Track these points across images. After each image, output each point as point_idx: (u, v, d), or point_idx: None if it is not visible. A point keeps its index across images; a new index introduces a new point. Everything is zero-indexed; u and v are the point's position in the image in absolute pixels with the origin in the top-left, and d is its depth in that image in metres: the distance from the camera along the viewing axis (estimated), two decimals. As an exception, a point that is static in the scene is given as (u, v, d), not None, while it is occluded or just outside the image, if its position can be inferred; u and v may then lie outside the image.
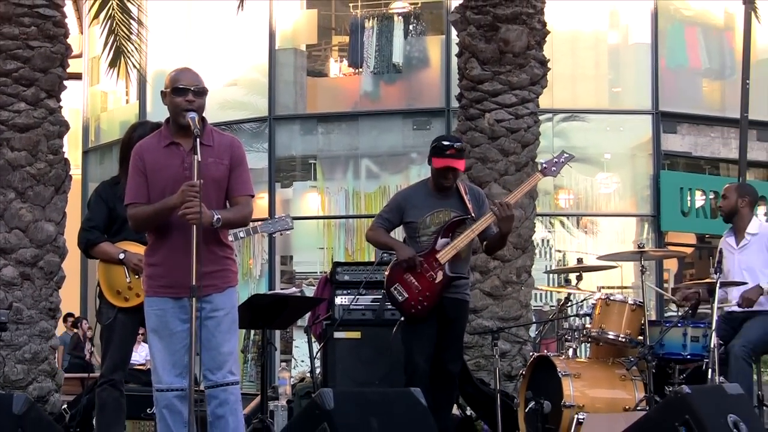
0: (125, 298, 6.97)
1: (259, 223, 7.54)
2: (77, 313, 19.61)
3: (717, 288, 7.97)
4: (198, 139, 5.72)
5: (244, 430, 6.10)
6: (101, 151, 22.87)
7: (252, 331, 16.47)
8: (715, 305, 7.89)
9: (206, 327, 5.91)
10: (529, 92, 10.45)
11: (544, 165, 7.80)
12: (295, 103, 21.27)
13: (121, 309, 6.98)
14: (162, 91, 6.01)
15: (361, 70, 20.63)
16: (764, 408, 8.47)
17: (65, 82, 9.67)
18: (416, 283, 7.37)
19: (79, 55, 21.29)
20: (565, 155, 7.78)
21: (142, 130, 7.04)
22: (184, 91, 5.88)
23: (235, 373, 6.00)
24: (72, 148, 18.26)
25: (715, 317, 7.82)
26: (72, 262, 10.25)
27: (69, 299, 10.46)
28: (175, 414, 5.91)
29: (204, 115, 5.98)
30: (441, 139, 7.64)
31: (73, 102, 19.54)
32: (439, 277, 7.37)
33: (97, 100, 23.70)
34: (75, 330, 18.37)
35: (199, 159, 5.71)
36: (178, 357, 5.90)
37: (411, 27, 20.49)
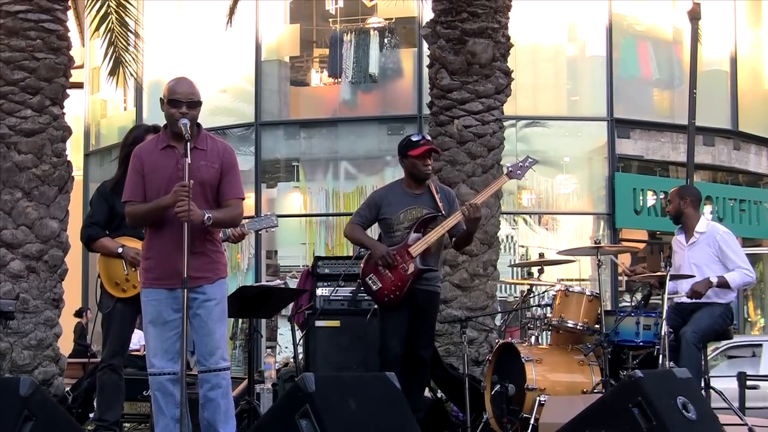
0: (123, 289, 6.97)
1: (246, 220, 7.52)
2: (79, 303, 19.53)
3: (667, 280, 8.00)
4: (189, 144, 5.75)
5: (233, 411, 6.11)
6: (101, 154, 22.79)
7: (240, 320, 16.46)
8: (666, 296, 7.91)
9: (199, 316, 5.92)
10: (495, 100, 10.47)
11: (510, 168, 7.82)
12: (279, 110, 21.27)
13: (119, 299, 6.97)
14: (161, 99, 6.02)
15: (340, 80, 20.64)
16: (710, 390, 8.51)
17: (68, 91, 9.64)
18: (389, 274, 7.38)
19: (81, 66, 21.19)
20: (530, 160, 7.79)
21: (137, 132, 7.09)
22: (179, 104, 5.90)
23: (226, 359, 6.01)
24: (74, 151, 18.15)
25: (665, 307, 7.85)
26: (74, 257, 10.22)
27: (71, 290, 10.41)
28: (167, 396, 5.91)
29: (198, 121, 6.00)
30: (409, 137, 7.68)
31: (75, 109, 19.46)
32: (411, 268, 7.38)
33: (98, 107, 23.62)
34: (79, 319, 18.31)
35: (189, 162, 5.72)
36: (171, 343, 5.90)
37: (386, 40, 20.51)
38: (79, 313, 18.47)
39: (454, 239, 7.64)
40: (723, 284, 8.43)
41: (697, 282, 8.41)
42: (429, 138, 7.68)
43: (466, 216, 7.31)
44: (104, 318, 7.09)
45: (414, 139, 7.61)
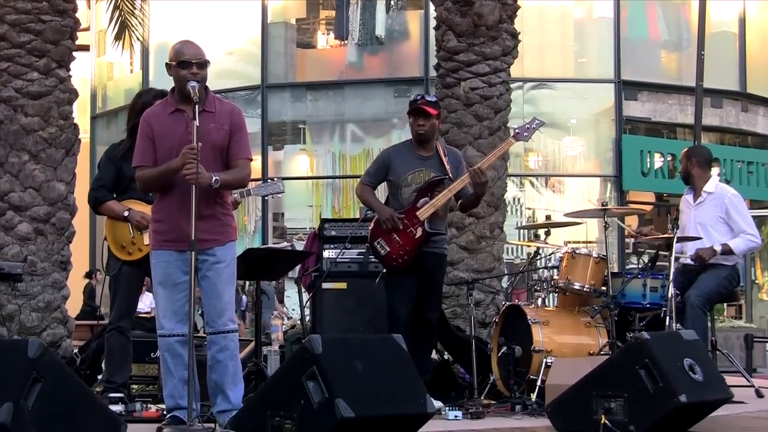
0: (129, 252, 6.97)
1: (253, 186, 7.52)
2: (87, 266, 19.59)
3: (674, 242, 7.99)
4: (197, 106, 5.74)
5: (241, 374, 6.13)
6: (108, 117, 22.79)
7: (247, 282, 16.48)
8: (672, 258, 7.91)
9: (208, 278, 5.93)
10: (501, 62, 10.41)
11: (516, 130, 7.78)
12: (286, 72, 21.23)
13: (125, 262, 6.97)
14: (167, 63, 6.00)
15: (346, 42, 20.58)
16: (717, 352, 8.52)
17: (74, 54, 9.60)
18: (397, 238, 7.38)
19: (87, 29, 21.15)
20: (536, 122, 7.75)
21: (146, 97, 7.04)
22: (188, 64, 5.89)
23: (234, 321, 6.03)
24: (81, 114, 18.14)
25: (672, 269, 7.85)
26: (82, 219, 10.23)
27: (79, 253, 10.42)
28: (176, 357, 5.93)
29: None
30: (411, 98, 7.69)
31: (81, 72, 19.38)
32: (419, 233, 7.38)
33: (104, 70, 23.60)
34: (88, 280, 18.37)
35: (198, 125, 5.72)
36: (180, 305, 5.91)
37: (392, 2, 20.44)
38: (89, 275, 18.53)
39: (460, 201, 7.63)
40: (727, 251, 8.45)
41: (702, 248, 8.42)
42: (431, 98, 7.63)
43: (474, 181, 7.31)
44: (111, 281, 7.11)
45: (415, 97, 7.63)
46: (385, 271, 7.63)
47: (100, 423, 5.18)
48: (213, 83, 6.25)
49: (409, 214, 7.38)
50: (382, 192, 7.88)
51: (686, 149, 9.04)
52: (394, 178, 7.55)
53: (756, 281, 24.86)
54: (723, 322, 17.83)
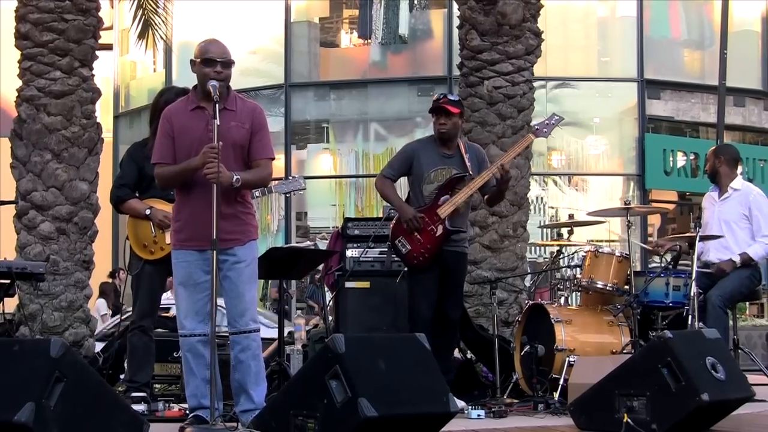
0: (151, 251, 6.97)
1: (274, 183, 7.50)
2: (109, 265, 19.65)
3: (696, 242, 7.94)
4: (218, 105, 5.72)
5: (263, 373, 6.12)
6: (131, 116, 22.86)
7: (270, 281, 16.49)
8: (695, 257, 7.87)
9: (229, 278, 5.92)
10: (525, 61, 10.37)
11: (536, 127, 7.78)
12: (309, 71, 21.26)
13: (147, 261, 6.97)
14: (192, 60, 6.00)
15: (369, 41, 20.57)
16: (739, 351, 8.47)
17: (97, 53, 9.61)
18: (418, 236, 7.36)
19: (110, 28, 21.22)
20: (556, 117, 7.73)
21: (168, 95, 7.03)
22: (213, 63, 5.88)
23: (256, 321, 6.02)
24: (104, 113, 18.20)
25: (695, 268, 7.80)
26: (104, 218, 10.24)
27: (101, 252, 10.44)
28: (198, 357, 5.92)
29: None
30: (434, 96, 7.69)
31: (104, 71, 19.51)
32: (440, 230, 7.35)
33: (127, 69, 23.68)
34: (111, 280, 18.41)
35: (218, 123, 5.70)
36: (201, 305, 5.90)
37: (416, 1, 20.43)
38: (112, 274, 18.58)
39: (486, 196, 7.62)
40: (746, 260, 8.41)
41: (723, 262, 8.40)
42: (453, 97, 7.61)
43: (498, 177, 7.30)
44: (133, 280, 7.11)
45: (438, 96, 7.61)
46: (406, 269, 7.61)
47: (122, 422, 5.18)
48: (236, 82, 6.24)
49: (429, 212, 7.36)
50: (402, 191, 7.86)
51: (714, 147, 8.99)
52: (417, 174, 7.52)
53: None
54: (745, 321, 17.75)
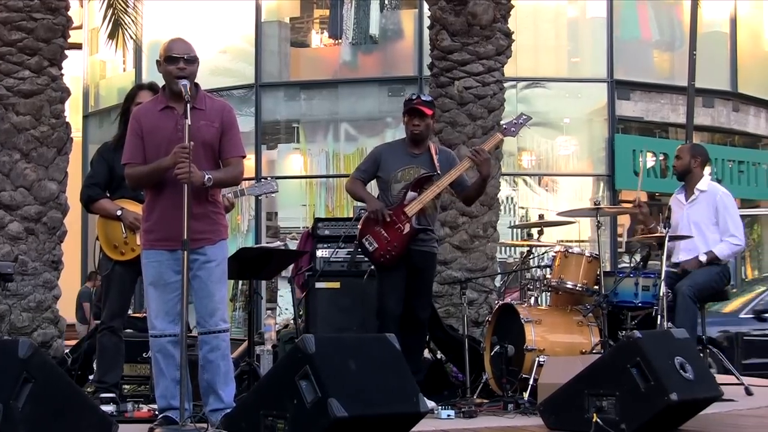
0: (121, 252, 6.93)
1: (246, 185, 7.49)
2: (78, 265, 19.54)
3: (666, 241, 7.98)
4: (189, 104, 5.72)
5: (233, 373, 6.12)
6: (100, 116, 22.74)
7: (240, 282, 16.45)
8: (664, 257, 7.90)
9: (199, 277, 5.91)
10: (495, 62, 10.41)
11: (504, 126, 7.80)
12: (280, 71, 21.21)
13: (117, 262, 6.94)
14: (157, 61, 6.01)
15: (340, 41, 20.55)
16: (707, 350, 8.52)
17: (66, 52, 9.57)
18: (385, 234, 7.38)
19: (80, 27, 21.11)
20: (524, 117, 7.75)
21: (131, 91, 7.10)
22: (176, 60, 5.88)
23: (226, 321, 6.01)
24: (73, 112, 18.11)
25: (664, 268, 7.84)
26: (73, 218, 10.20)
27: (70, 253, 10.39)
28: (168, 357, 5.91)
29: (196, 81, 5.98)
30: (407, 97, 7.70)
31: (73, 70, 19.41)
32: (407, 228, 7.37)
33: (96, 69, 23.54)
34: (89, 283, 18.29)
35: (189, 123, 5.70)
36: (171, 305, 5.90)
37: (386, 1, 20.42)
38: (90, 276, 18.47)
39: (462, 194, 7.65)
40: (712, 259, 8.46)
41: (687, 261, 8.47)
42: (427, 98, 7.63)
43: (475, 161, 7.31)
44: (103, 280, 7.08)
45: (411, 96, 7.64)
46: (372, 267, 7.62)
47: (91, 423, 5.16)
48: (206, 81, 6.25)
49: (397, 211, 7.38)
50: (373, 191, 7.87)
51: (689, 145, 9.00)
52: (384, 175, 7.55)
53: (746, 280, 24.89)
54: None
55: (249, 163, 18.89)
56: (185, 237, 5.61)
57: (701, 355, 7.92)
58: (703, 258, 8.45)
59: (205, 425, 5.87)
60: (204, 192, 5.90)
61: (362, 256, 7.74)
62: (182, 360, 5.70)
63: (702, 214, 8.61)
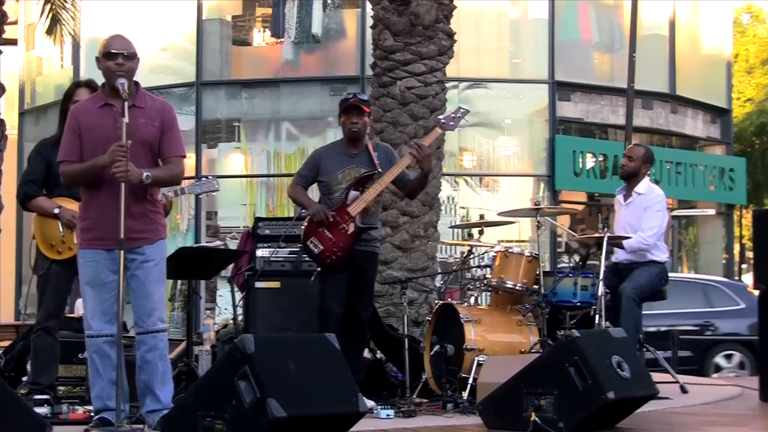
0: (58, 251, 6.84)
1: (187, 184, 7.43)
2: (13, 264, 19.31)
3: (605, 242, 8.04)
4: (127, 102, 5.68)
5: (171, 374, 6.07)
6: (36, 113, 22.52)
7: (179, 281, 16.34)
8: (603, 257, 7.97)
9: (137, 277, 5.86)
10: (437, 62, 10.43)
11: (442, 120, 7.79)
12: (221, 69, 21.13)
13: (54, 261, 6.85)
14: (96, 57, 5.95)
15: (282, 39, 20.51)
16: (644, 349, 8.61)
17: (1, 47, 9.45)
18: (330, 235, 7.36)
19: (15, 22, 20.85)
20: (462, 110, 7.75)
21: (69, 89, 7.01)
22: (115, 56, 5.84)
23: (164, 321, 5.97)
24: (8, 109, 17.91)
25: (602, 268, 7.90)
26: (8, 217, 10.08)
27: (5, 251, 10.27)
28: (104, 358, 5.86)
29: (136, 79, 5.93)
30: (343, 96, 7.69)
31: (9, 66, 19.17)
32: (351, 228, 7.36)
33: (33, 65, 23.31)
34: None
35: (127, 121, 5.65)
36: (108, 305, 5.84)
37: (329, 0, 20.39)
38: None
39: (405, 189, 7.65)
40: (618, 246, 8.51)
41: (613, 238, 8.45)
42: (364, 96, 7.63)
43: (416, 156, 7.31)
44: (39, 280, 6.97)
45: (346, 96, 7.61)
46: (319, 269, 7.59)
47: (24, 425, 5.11)
48: (147, 79, 6.21)
49: (340, 211, 7.36)
50: (316, 195, 7.86)
51: (643, 150, 8.94)
52: (325, 178, 7.54)
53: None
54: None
55: (189, 162, 18.78)
56: (122, 236, 5.56)
57: (638, 353, 7.99)
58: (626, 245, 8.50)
59: (141, 426, 5.82)
60: (142, 191, 5.86)
61: (307, 258, 7.73)
62: (119, 360, 5.65)
63: (635, 216, 8.69)
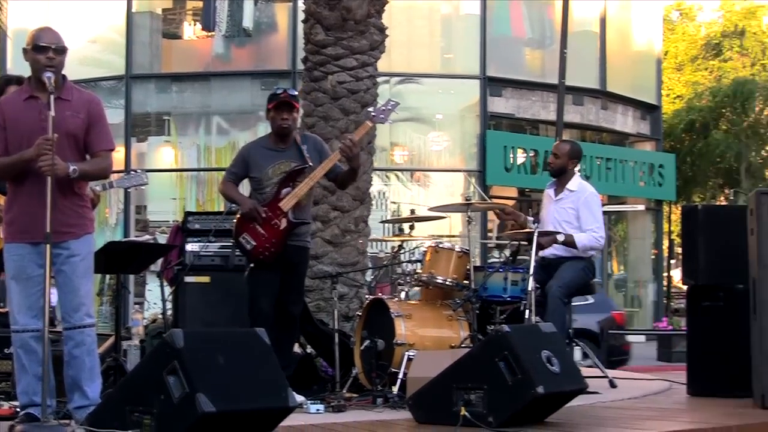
0: (-18, 244, 6.77)
1: (116, 178, 7.37)
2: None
3: (535, 237, 8.09)
4: (53, 96, 5.62)
5: (99, 369, 6.03)
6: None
7: (107, 276, 16.23)
8: (533, 252, 8.01)
9: (63, 272, 5.81)
10: (369, 57, 10.44)
11: (372, 113, 7.78)
12: (151, 63, 21.00)
13: (-22, 255, 6.77)
14: (24, 49, 5.88)
15: (213, 33, 20.43)
16: (574, 344, 8.69)
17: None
18: (262, 231, 7.34)
19: (-60, 13, 20.53)
20: (392, 103, 7.75)
21: (5, 84, 6.92)
22: (45, 49, 5.77)
23: (91, 316, 5.92)
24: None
25: (533, 263, 7.95)
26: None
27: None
28: (30, 353, 5.79)
29: (64, 71, 5.87)
30: (272, 91, 7.65)
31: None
32: (283, 224, 7.34)
33: (-44, 56, 22.94)
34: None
35: (53, 114, 5.60)
36: (34, 300, 5.78)
37: (260, -6, 20.35)
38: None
39: (336, 180, 7.66)
40: (569, 243, 8.54)
41: (543, 233, 8.47)
42: (292, 92, 7.61)
43: (346, 154, 7.32)
44: (-36, 274, 6.89)
45: (275, 91, 7.58)
46: (252, 265, 7.56)
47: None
48: (75, 72, 6.15)
49: (272, 206, 7.34)
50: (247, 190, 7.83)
51: (569, 147, 9.01)
52: (256, 174, 7.51)
53: (612, 275, 25.50)
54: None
55: (118, 156, 18.61)
56: (48, 230, 5.50)
57: (568, 348, 8.06)
58: (560, 237, 8.51)
59: (68, 422, 5.77)
60: (69, 184, 5.80)
61: (239, 253, 7.70)
62: (45, 355, 5.59)
63: (567, 213, 8.74)
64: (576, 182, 8.84)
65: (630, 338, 17.04)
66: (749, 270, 7.28)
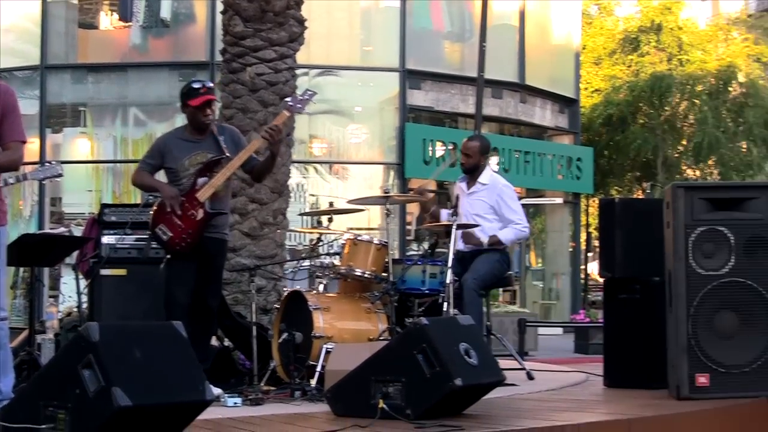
0: None
1: (29, 170, 7.28)
2: None
3: (453, 230, 8.14)
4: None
5: (11, 363, 5.96)
6: None
7: (21, 269, 15.99)
8: (452, 245, 8.07)
9: (-25, 265, 5.74)
10: (288, 49, 10.42)
11: (290, 103, 7.78)
12: (66, 53, 20.75)
13: None
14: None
15: (130, 23, 20.25)
16: (491, 337, 8.77)
17: None
18: (179, 222, 7.30)
19: None
20: (309, 92, 7.76)
21: None
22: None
23: (4, 309, 5.85)
24: None
25: (451, 256, 8.00)
26: None
27: None
28: (-59, 348, 5.72)
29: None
30: (190, 84, 7.62)
31: None
32: (200, 214, 7.30)
33: None
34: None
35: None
36: (-55, 293, 5.71)
37: (179, -16, 20.21)
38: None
39: (253, 172, 7.63)
40: (495, 242, 8.68)
41: (470, 233, 8.62)
42: (210, 85, 7.58)
43: (270, 141, 7.30)
44: None
45: (194, 86, 7.53)
46: (168, 256, 7.52)
47: None
48: (-13, 61, 6.05)
49: (189, 197, 7.30)
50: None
51: (477, 144, 9.06)
52: (172, 165, 7.46)
53: (530, 267, 25.76)
54: (498, 308, 18.39)
55: (33, 147, 18.39)
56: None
57: (486, 341, 8.14)
58: (485, 240, 8.63)
59: (-19, 417, 5.70)
60: (-20, 176, 5.73)
61: (155, 244, 7.64)
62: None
63: (482, 206, 8.82)
64: (487, 175, 8.93)
65: (547, 330, 17.24)
66: (665, 263, 7.40)
